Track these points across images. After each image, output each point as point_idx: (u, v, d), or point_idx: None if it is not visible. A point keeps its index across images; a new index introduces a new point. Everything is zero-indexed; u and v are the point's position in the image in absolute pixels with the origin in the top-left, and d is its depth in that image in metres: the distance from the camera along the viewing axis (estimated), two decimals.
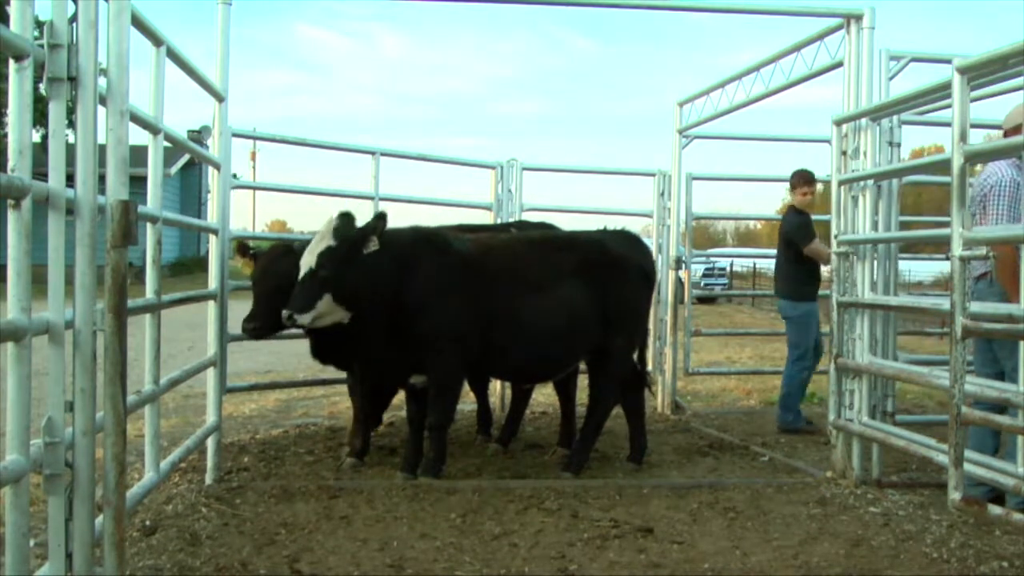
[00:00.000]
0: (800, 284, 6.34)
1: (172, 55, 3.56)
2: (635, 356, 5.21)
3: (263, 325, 4.58)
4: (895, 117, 4.62)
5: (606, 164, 9.10)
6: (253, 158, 35.48)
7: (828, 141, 4.87)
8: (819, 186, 6.64)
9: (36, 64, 2.25)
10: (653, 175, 7.13)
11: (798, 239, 6.25)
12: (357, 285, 4.25)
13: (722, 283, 23.97)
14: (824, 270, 6.09)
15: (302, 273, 4.25)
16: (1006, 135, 4.22)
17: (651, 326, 7.12)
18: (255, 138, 5.96)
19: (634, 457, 5.07)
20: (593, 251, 4.89)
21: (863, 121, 4.63)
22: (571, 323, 4.69)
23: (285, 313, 4.15)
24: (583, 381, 5.34)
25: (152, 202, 3.47)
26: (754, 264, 26.20)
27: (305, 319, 4.17)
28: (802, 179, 6.38)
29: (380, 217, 4.34)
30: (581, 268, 4.77)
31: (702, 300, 19.54)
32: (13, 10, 2.27)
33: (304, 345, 5.09)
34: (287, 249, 4.76)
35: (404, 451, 4.82)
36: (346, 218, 4.37)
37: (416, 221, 5.67)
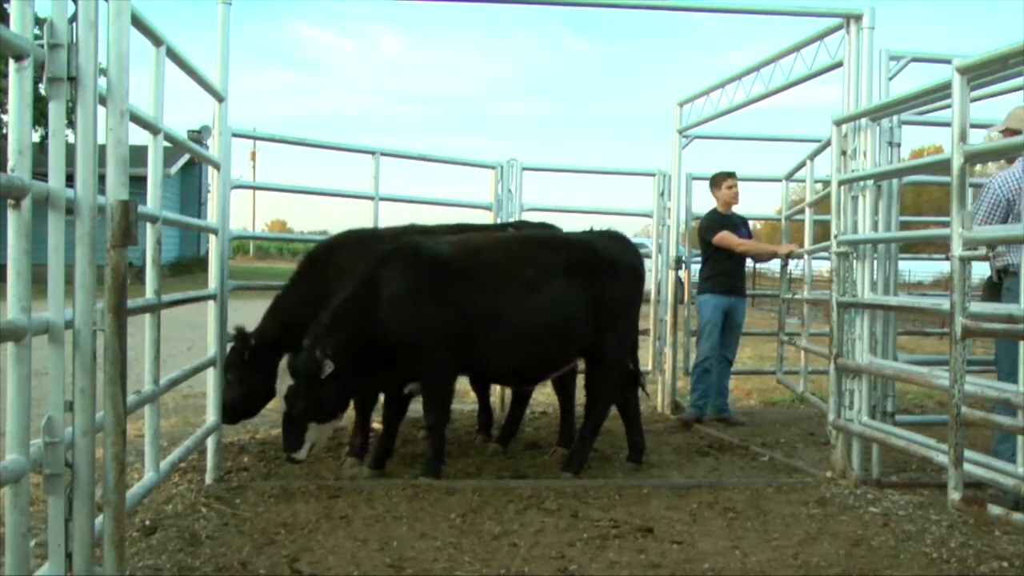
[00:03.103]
0: (703, 279, 6.75)
1: (172, 55, 3.55)
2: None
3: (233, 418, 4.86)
4: (895, 117, 4.62)
5: (606, 164, 9.08)
6: (253, 158, 35.54)
7: (820, 140, 4.87)
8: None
9: (36, 64, 2.25)
10: (653, 175, 7.13)
11: (703, 232, 6.68)
12: (332, 398, 4.40)
13: None
14: (824, 268, 6.14)
15: (282, 413, 4.41)
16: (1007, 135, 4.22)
17: (651, 326, 7.13)
18: (255, 138, 5.96)
19: (633, 457, 5.07)
20: (582, 251, 4.88)
21: (863, 121, 4.62)
22: (559, 323, 4.68)
23: (285, 456, 4.45)
24: (583, 380, 5.34)
25: (152, 202, 3.47)
26: (754, 264, 26.16)
27: (302, 454, 4.39)
28: (714, 178, 6.81)
29: (317, 338, 4.30)
30: (569, 268, 4.75)
31: None
32: (13, 10, 2.27)
33: None
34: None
35: (374, 448, 4.87)
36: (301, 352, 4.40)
37: (416, 221, 5.67)
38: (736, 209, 6.82)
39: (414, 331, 4.45)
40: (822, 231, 5.85)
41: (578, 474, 4.76)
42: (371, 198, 6.09)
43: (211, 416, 4.57)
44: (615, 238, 5.16)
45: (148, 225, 3.36)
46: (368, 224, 5.92)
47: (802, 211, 6.38)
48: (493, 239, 5.14)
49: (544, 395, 6.88)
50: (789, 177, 7.15)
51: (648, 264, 7.46)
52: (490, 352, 4.64)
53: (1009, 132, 4.36)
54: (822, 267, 9.51)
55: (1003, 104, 4.86)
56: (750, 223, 7.16)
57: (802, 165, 6.38)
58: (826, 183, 5.54)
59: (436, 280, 4.55)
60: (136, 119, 3.11)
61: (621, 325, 4.97)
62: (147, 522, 3.70)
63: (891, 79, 4.79)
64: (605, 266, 4.86)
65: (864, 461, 4.61)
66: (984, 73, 3.54)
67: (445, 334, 4.50)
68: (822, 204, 5.93)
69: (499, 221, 6.61)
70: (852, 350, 4.63)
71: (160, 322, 3.52)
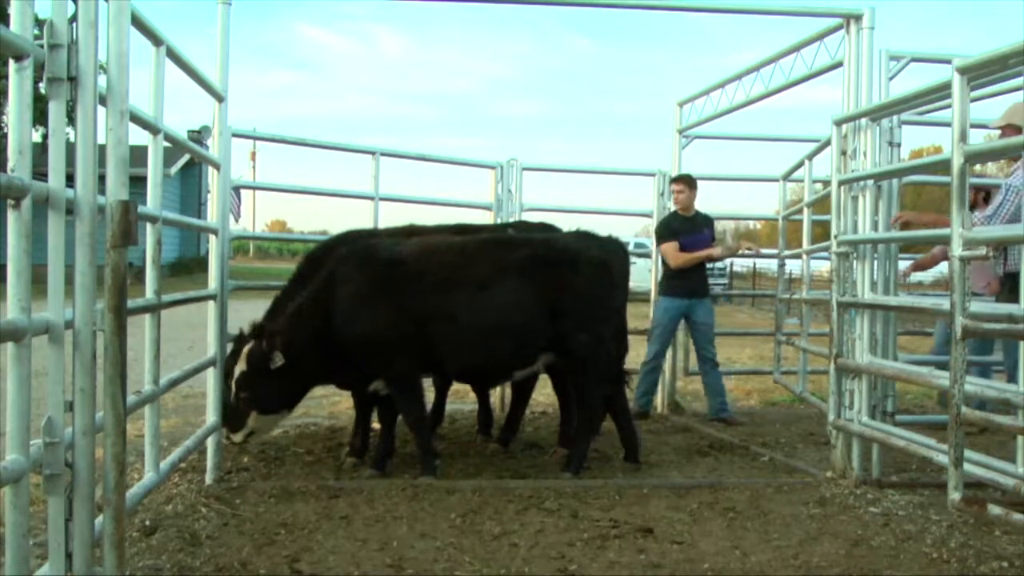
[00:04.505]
0: (662, 279, 6.78)
1: (172, 55, 3.55)
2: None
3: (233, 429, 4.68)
4: (895, 117, 4.62)
5: (606, 164, 9.09)
6: (253, 158, 35.47)
7: (819, 140, 4.86)
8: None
9: (36, 64, 2.25)
10: (653, 175, 7.12)
11: (656, 236, 6.81)
12: (276, 393, 4.59)
13: (721, 283, 23.93)
14: (824, 268, 6.13)
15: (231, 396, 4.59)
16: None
17: (651, 326, 7.12)
18: (255, 138, 5.96)
19: (631, 456, 5.06)
20: (540, 249, 4.86)
21: (863, 121, 4.62)
22: (515, 321, 4.67)
23: (223, 433, 4.59)
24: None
25: (152, 202, 3.47)
26: (754, 264, 26.21)
27: (238, 437, 4.60)
28: (673, 182, 6.77)
29: (272, 334, 4.48)
30: (527, 266, 4.73)
31: None
32: (13, 10, 2.27)
33: None
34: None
35: (375, 450, 4.92)
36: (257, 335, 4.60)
37: (416, 221, 5.67)
38: (736, 209, 6.85)
39: (370, 332, 4.53)
40: (822, 231, 5.85)
41: (578, 474, 4.76)
42: (371, 198, 6.09)
43: (211, 416, 4.57)
44: (582, 235, 5.12)
45: (148, 225, 3.36)
46: (368, 224, 5.93)
47: (800, 211, 6.38)
48: (451, 240, 5.09)
49: (544, 395, 6.88)
50: (787, 177, 7.15)
51: (649, 264, 7.49)
52: (447, 351, 4.67)
53: (1010, 128, 4.35)
54: (822, 267, 9.51)
55: (1003, 104, 4.86)
56: (749, 223, 7.17)
57: (800, 165, 6.37)
58: (825, 183, 5.54)
59: (392, 281, 4.60)
60: (136, 119, 3.11)
61: (590, 321, 4.81)
62: (147, 522, 3.70)
63: (891, 79, 4.79)
64: (565, 263, 4.80)
65: (864, 461, 4.61)
66: (984, 73, 3.54)
67: (402, 334, 4.56)
68: (821, 204, 5.93)
69: (499, 221, 6.61)
70: (852, 350, 4.63)
71: (160, 322, 3.52)
